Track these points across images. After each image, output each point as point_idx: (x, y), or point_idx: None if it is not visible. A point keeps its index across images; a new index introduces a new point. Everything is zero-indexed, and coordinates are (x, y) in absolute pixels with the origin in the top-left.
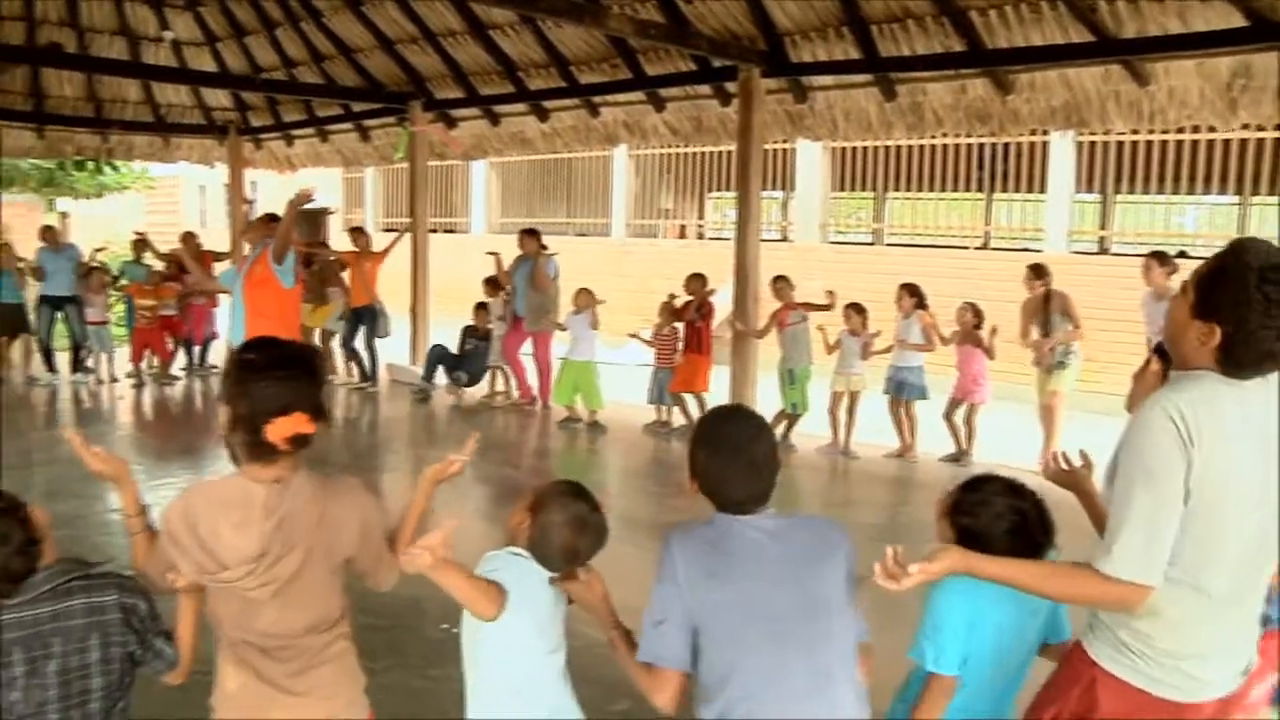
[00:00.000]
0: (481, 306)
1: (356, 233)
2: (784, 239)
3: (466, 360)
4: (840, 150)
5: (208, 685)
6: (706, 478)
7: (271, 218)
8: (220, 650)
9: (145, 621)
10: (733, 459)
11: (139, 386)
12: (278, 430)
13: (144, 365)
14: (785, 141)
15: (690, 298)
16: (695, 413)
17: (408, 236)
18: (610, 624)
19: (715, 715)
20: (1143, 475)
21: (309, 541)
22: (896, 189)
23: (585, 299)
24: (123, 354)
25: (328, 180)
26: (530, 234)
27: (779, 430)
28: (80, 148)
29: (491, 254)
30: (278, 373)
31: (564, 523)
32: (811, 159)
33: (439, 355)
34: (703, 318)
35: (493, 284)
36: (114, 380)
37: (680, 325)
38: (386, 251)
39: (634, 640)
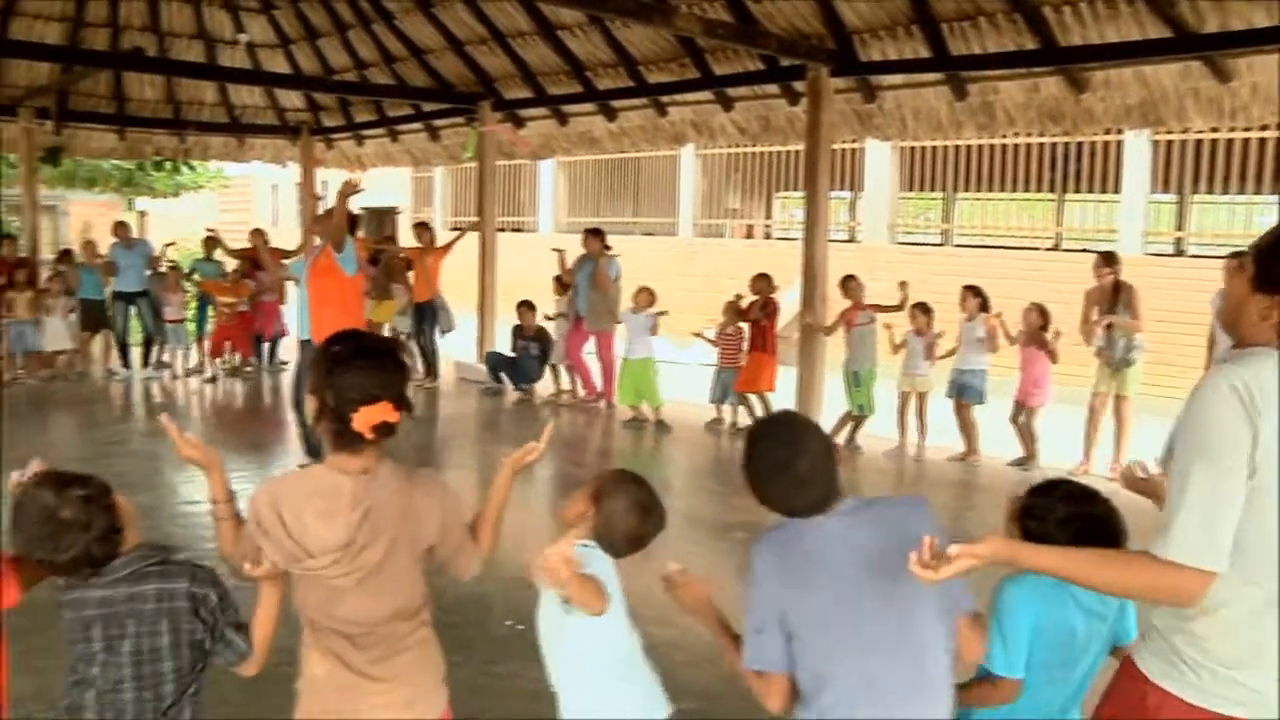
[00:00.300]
0: (526, 305)
1: (420, 228)
2: (851, 239)
3: (520, 363)
4: (909, 150)
5: (281, 676)
6: (759, 496)
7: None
8: (305, 637)
9: (215, 612)
10: (777, 477)
11: (213, 381)
12: (364, 419)
13: (221, 361)
14: (854, 141)
15: (755, 297)
16: (760, 412)
17: (471, 233)
18: (717, 628)
19: (814, 718)
20: (1201, 451)
21: (393, 532)
22: (966, 189)
23: (645, 299)
24: (194, 349)
25: (397, 180)
26: (593, 234)
27: (844, 432)
28: (159, 148)
29: (556, 251)
30: (363, 363)
31: (628, 509)
32: (880, 158)
33: (495, 362)
34: (768, 317)
35: (561, 283)
36: (188, 375)
37: (745, 325)
38: (449, 247)
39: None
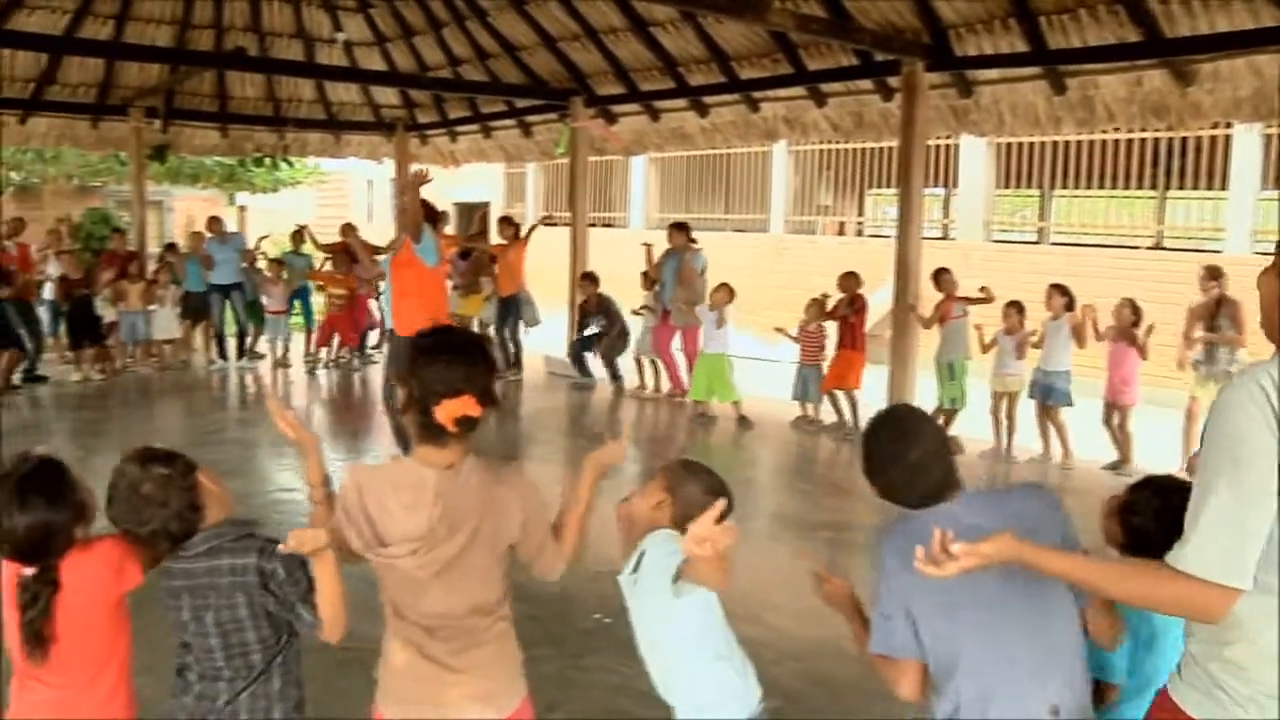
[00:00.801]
0: (587, 278)
1: (504, 223)
2: (945, 237)
3: (595, 340)
4: (1005, 145)
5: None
6: (877, 487)
7: (426, 206)
8: (387, 628)
9: (283, 586)
10: (890, 468)
11: (312, 371)
12: (446, 411)
13: (326, 352)
14: (948, 137)
15: (843, 295)
16: (847, 409)
17: (545, 225)
18: (859, 623)
19: (950, 709)
20: (1227, 458)
21: (473, 526)
22: (1063, 186)
23: (723, 295)
24: (295, 340)
25: (490, 175)
26: (678, 228)
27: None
28: (259, 145)
29: (645, 245)
30: (449, 356)
31: (706, 493)
32: (975, 155)
33: (577, 350)
34: (855, 314)
35: (648, 278)
36: (287, 366)
37: (827, 323)
38: (526, 239)
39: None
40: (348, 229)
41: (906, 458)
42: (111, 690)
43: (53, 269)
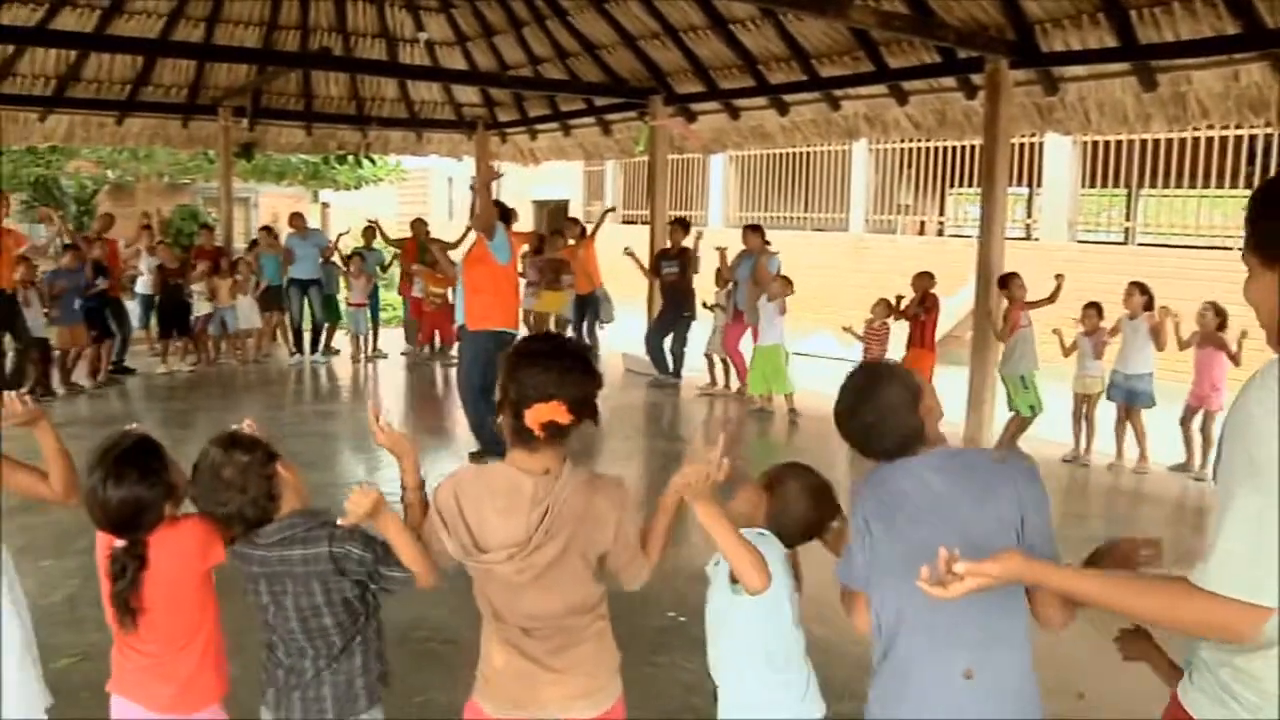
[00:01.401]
0: (678, 222)
1: (571, 223)
2: (1028, 237)
3: (673, 329)
4: (1091, 144)
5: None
6: (847, 441)
7: (498, 204)
8: (485, 628)
9: (362, 563)
10: (846, 422)
11: (412, 366)
12: (535, 415)
13: (428, 348)
14: (1033, 135)
15: (914, 294)
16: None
17: (608, 218)
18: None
19: (886, 665)
20: (1247, 466)
21: (570, 533)
22: (1152, 185)
23: (780, 287)
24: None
25: (569, 173)
26: (753, 229)
27: (1009, 434)
28: (342, 143)
29: (719, 249)
30: (546, 362)
31: (799, 493)
32: (1060, 153)
33: (655, 344)
34: (926, 312)
35: (721, 277)
36: (368, 360)
37: (892, 321)
38: (593, 235)
39: None
40: (418, 224)
41: (861, 414)
42: (200, 661)
43: (144, 264)
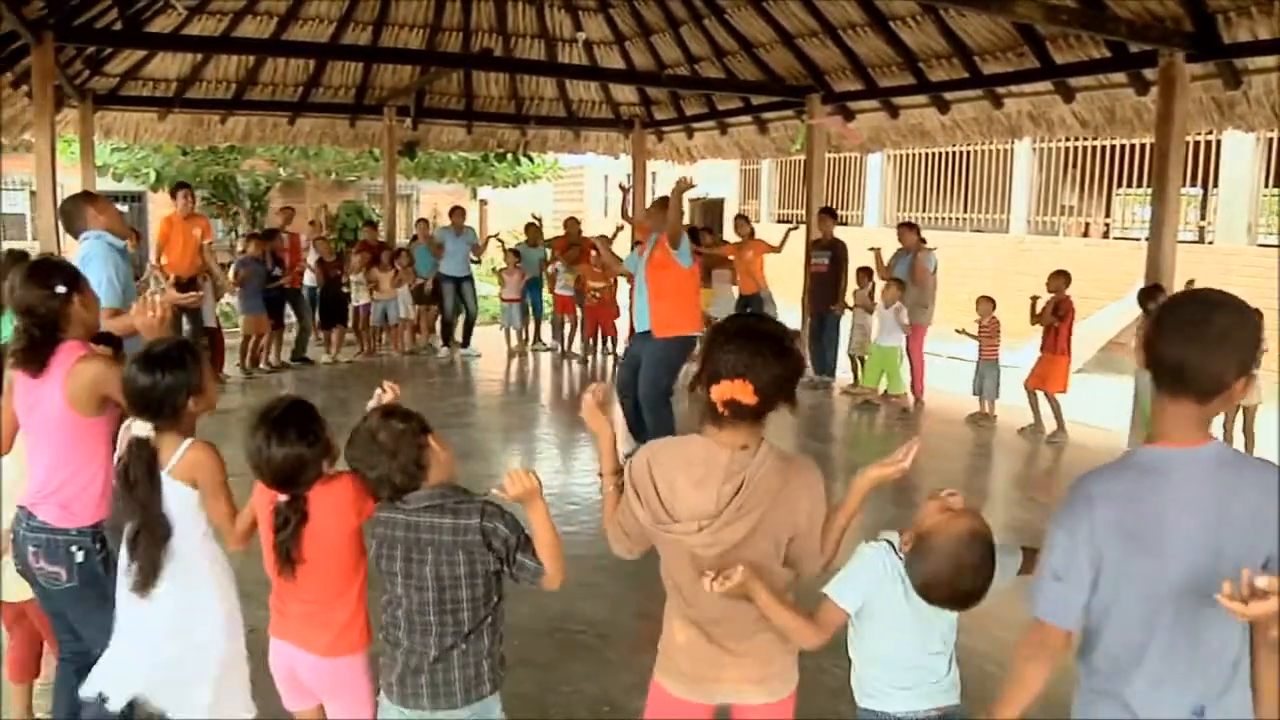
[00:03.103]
0: (826, 211)
1: (740, 221)
2: (1201, 240)
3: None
4: (1275, 141)
5: (581, 644)
6: (1164, 369)
7: (663, 201)
8: (669, 605)
9: (506, 542)
10: (1186, 344)
11: (568, 357)
12: (719, 392)
13: (592, 342)
14: (1209, 133)
15: (1052, 295)
16: (1051, 413)
17: (802, 228)
18: None
19: (1104, 703)
20: None
21: (761, 511)
22: None
23: (894, 292)
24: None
25: (725, 171)
26: (909, 227)
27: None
28: (501, 141)
29: (873, 250)
30: (739, 342)
31: (939, 511)
32: (1240, 151)
33: (811, 344)
34: (1060, 318)
35: (866, 273)
36: (522, 354)
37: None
38: (779, 247)
39: None
40: (571, 223)
41: (1207, 332)
42: (354, 610)
43: (312, 257)
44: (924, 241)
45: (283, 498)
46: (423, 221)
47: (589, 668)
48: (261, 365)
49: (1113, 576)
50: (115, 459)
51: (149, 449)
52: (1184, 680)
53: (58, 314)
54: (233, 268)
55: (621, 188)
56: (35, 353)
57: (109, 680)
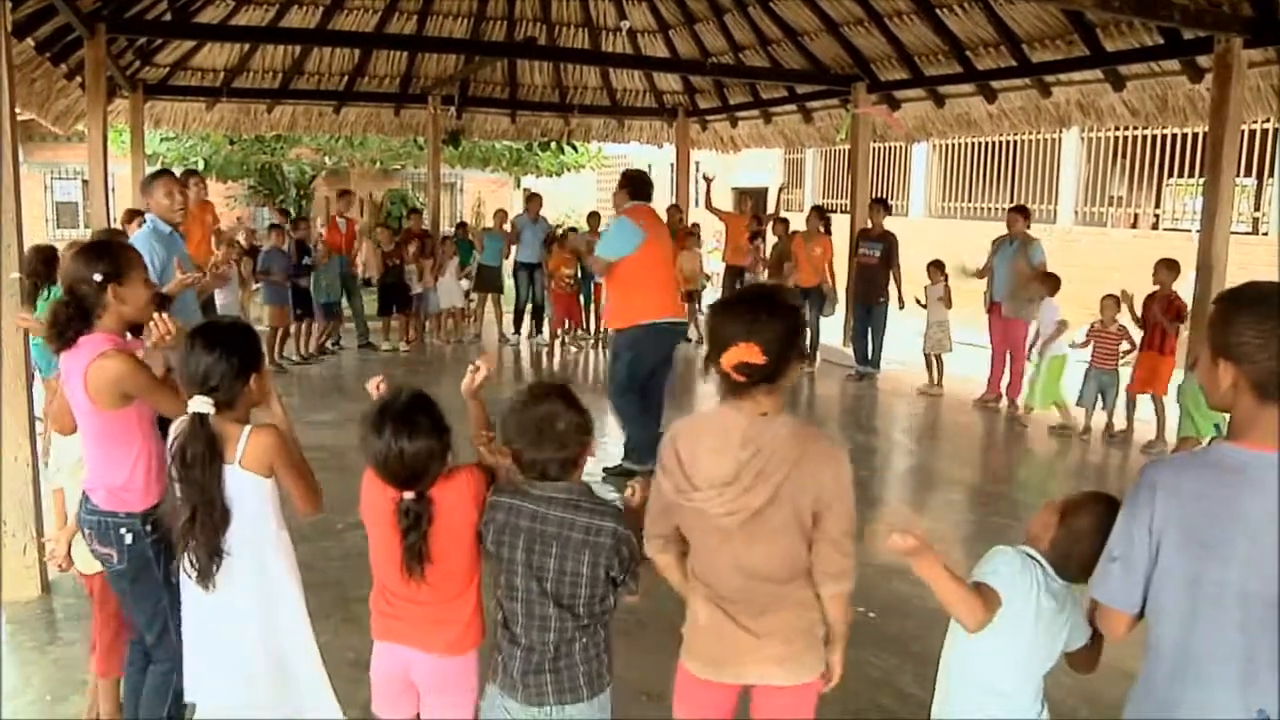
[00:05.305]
0: (878, 202)
1: (814, 213)
2: (1255, 231)
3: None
4: None
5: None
6: (1251, 367)
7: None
8: (692, 586)
9: (634, 554)
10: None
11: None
12: (729, 358)
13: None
14: (1265, 121)
15: (1156, 288)
16: (1154, 418)
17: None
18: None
19: (1152, 700)
20: None
21: (779, 478)
22: None
23: (1041, 287)
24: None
25: (769, 160)
26: (1019, 211)
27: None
28: (545, 130)
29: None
30: (736, 309)
31: (1093, 530)
32: None
33: (858, 334)
34: (1178, 318)
35: (938, 267)
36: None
37: (1124, 322)
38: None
39: None
40: (594, 218)
41: None
42: (476, 605)
43: (368, 245)
44: (1028, 230)
45: (409, 495)
46: (501, 211)
47: (627, 655)
48: (294, 357)
49: (1169, 570)
50: (170, 441)
51: (209, 427)
52: (1246, 684)
53: (93, 299)
54: (262, 261)
55: (705, 178)
56: (62, 330)
57: (201, 690)
